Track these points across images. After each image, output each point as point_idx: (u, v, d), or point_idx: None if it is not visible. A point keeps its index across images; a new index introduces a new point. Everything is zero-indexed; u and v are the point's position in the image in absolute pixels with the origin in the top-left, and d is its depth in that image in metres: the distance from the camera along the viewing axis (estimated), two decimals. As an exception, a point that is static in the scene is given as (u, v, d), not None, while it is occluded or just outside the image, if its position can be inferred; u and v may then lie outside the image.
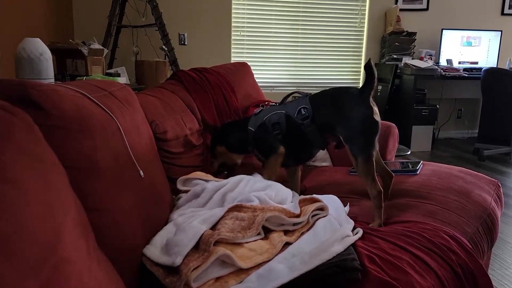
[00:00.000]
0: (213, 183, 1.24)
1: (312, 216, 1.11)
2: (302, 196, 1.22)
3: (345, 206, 1.28)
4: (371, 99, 1.28)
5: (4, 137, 0.60)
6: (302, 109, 1.35)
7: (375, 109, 1.28)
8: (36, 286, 0.49)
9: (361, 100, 1.28)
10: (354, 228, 1.13)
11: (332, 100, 1.34)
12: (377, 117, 1.28)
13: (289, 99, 1.49)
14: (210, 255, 0.89)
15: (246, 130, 1.44)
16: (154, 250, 0.96)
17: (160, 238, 1.02)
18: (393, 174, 1.41)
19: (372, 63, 1.27)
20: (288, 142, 1.38)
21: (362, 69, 4.60)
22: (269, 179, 1.35)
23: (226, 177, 1.32)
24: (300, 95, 1.42)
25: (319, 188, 1.58)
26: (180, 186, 1.31)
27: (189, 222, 1.01)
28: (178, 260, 0.89)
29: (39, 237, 0.53)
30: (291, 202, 1.24)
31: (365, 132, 1.26)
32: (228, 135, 1.49)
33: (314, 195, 1.23)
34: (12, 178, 0.55)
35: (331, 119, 1.31)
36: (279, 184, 1.29)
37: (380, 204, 1.24)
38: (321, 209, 1.14)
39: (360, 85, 4.59)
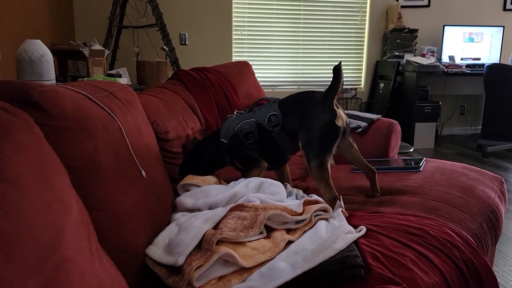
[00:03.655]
0: (205, 199, 1.19)
1: (315, 216, 1.10)
2: (307, 197, 1.21)
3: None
4: (335, 103, 1.26)
5: (5, 137, 0.60)
6: (272, 116, 1.32)
7: (340, 112, 1.26)
8: (37, 285, 0.49)
9: (323, 105, 1.26)
10: (357, 226, 1.12)
11: (297, 105, 1.32)
12: (341, 121, 1.25)
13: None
14: (212, 254, 0.89)
15: (218, 143, 1.39)
16: (156, 250, 0.96)
17: (162, 238, 1.02)
18: (375, 169, 1.40)
19: (341, 67, 1.26)
20: (263, 149, 1.36)
21: (364, 67, 4.59)
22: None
23: None
24: (269, 100, 1.39)
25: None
26: (181, 192, 1.31)
27: (191, 222, 1.01)
28: (180, 260, 0.88)
29: (40, 237, 0.53)
30: (286, 195, 1.24)
31: (322, 138, 1.25)
32: (198, 157, 1.40)
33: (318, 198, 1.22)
34: (13, 178, 0.55)
35: (295, 125, 1.30)
36: (270, 180, 1.28)
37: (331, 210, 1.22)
38: (325, 210, 1.13)
39: (362, 82, 4.58)
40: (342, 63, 1.29)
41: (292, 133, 1.31)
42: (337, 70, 1.25)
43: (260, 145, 1.35)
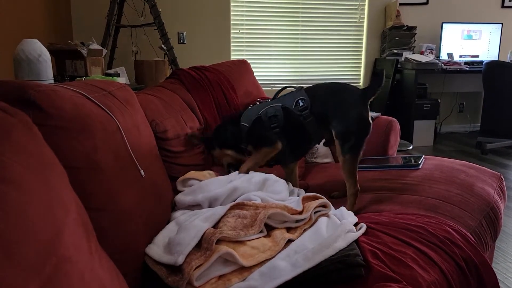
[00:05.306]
0: (204, 193, 1.19)
1: (315, 213, 1.10)
2: (306, 194, 1.21)
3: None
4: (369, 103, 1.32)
5: (3, 138, 0.60)
6: (300, 101, 1.33)
7: (370, 113, 1.32)
8: (37, 286, 0.49)
9: (362, 100, 1.30)
10: (357, 224, 1.13)
11: (331, 93, 1.34)
12: (371, 120, 1.31)
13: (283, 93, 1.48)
14: (212, 253, 0.89)
15: (238, 125, 1.39)
16: (156, 249, 0.96)
17: (162, 237, 1.02)
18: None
19: (384, 73, 1.32)
20: (286, 135, 1.35)
21: (362, 65, 4.59)
22: (247, 170, 1.31)
23: (204, 162, 1.33)
24: (294, 89, 1.40)
25: (321, 185, 1.58)
26: (180, 188, 1.31)
27: (191, 221, 1.00)
28: (180, 259, 0.88)
29: (40, 237, 0.53)
30: (288, 196, 1.24)
31: (359, 131, 1.29)
32: (219, 134, 1.44)
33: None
34: (12, 178, 0.55)
35: (328, 111, 1.31)
36: (274, 177, 1.28)
37: (354, 202, 1.29)
38: (324, 206, 1.13)
39: (361, 80, 4.58)
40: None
41: (322, 119, 1.32)
42: (380, 74, 1.31)
43: (284, 131, 1.34)
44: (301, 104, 1.32)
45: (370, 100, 1.31)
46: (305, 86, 1.43)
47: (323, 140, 1.44)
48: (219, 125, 1.50)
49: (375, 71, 1.43)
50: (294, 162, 1.47)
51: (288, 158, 1.41)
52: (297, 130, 1.34)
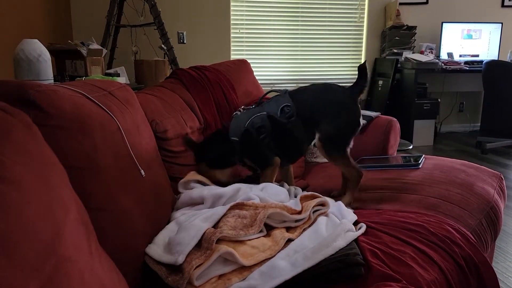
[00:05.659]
0: (211, 189, 1.19)
1: (314, 212, 1.10)
2: (304, 193, 1.21)
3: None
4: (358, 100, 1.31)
5: (3, 137, 0.60)
6: (285, 108, 1.29)
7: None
8: (37, 285, 0.49)
9: (351, 100, 1.29)
10: (357, 223, 1.13)
11: (317, 95, 1.32)
12: (362, 119, 1.31)
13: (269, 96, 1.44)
14: (212, 253, 0.89)
15: (228, 141, 1.33)
16: (156, 249, 0.96)
17: (162, 237, 1.02)
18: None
19: (366, 66, 1.30)
20: (276, 142, 1.32)
21: (362, 64, 4.59)
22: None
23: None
24: (277, 93, 1.36)
25: (321, 184, 1.58)
26: (182, 190, 1.31)
27: (191, 221, 1.01)
28: (180, 259, 0.88)
29: (40, 237, 0.53)
30: (288, 198, 1.24)
31: (347, 133, 1.29)
32: (209, 151, 1.34)
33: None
34: (12, 178, 0.55)
35: (314, 115, 1.29)
36: (274, 185, 1.29)
37: (357, 186, 1.31)
38: (322, 204, 1.13)
39: (361, 80, 4.58)
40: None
41: (309, 123, 1.30)
42: (363, 68, 1.29)
43: (274, 139, 1.31)
44: (286, 111, 1.30)
45: (358, 97, 1.30)
46: (302, 85, 1.41)
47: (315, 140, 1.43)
48: (208, 142, 1.38)
49: (359, 66, 1.36)
50: (289, 165, 1.46)
51: (282, 163, 1.39)
52: (286, 136, 1.32)
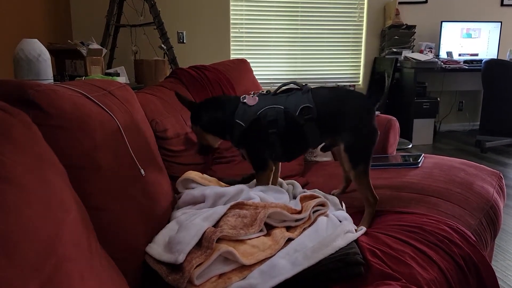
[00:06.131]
0: (213, 188, 1.19)
1: (313, 212, 1.10)
2: (304, 193, 1.21)
3: (341, 204, 1.29)
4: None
5: (3, 137, 0.60)
6: (305, 108, 1.20)
7: None
8: (37, 285, 0.49)
9: (371, 109, 1.23)
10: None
11: (339, 101, 1.24)
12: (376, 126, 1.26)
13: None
14: (212, 252, 0.89)
15: (231, 117, 1.25)
16: (156, 248, 0.96)
17: (162, 236, 1.02)
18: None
19: (386, 76, 1.25)
20: (282, 139, 1.24)
21: (362, 64, 4.59)
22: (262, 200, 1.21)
23: (204, 160, 1.24)
24: (298, 87, 1.28)
25: (321, 182, 1.58)
26: (181, 189, 1.31)
27: (192, 220, 1.01)
28: (181, 258, 0.89)
29: (40, 236, 0.53)
30: (288, 200, 1.24)
31: (369, 144, 1.22)
32: (205, 114, 1.29)
33: (314, 192, 1.23)
34: (11, 178, 0.55)
35: (335, 122, 1.22)
36: (275, 187, 1.28)
37: (374, 211, 1.23)
38: (322, 204, 1.13)
39: (360, 79, 4.58)
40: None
41: (327, 128, 1.22)
42: (381, 80, 1.24)
43: (282, 137, 1.23)
44: (306, 113, 1.20)
45: (376, 107, 1.25)
46: (323, 87, 1.33)
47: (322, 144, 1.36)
48: (209, 103, 1.32)
49: (377, 75, 1.28)
50: (285, 162, 1.38)
51: (279, 159, 1.32)
52: (296, 136, 1.24)
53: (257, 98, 1.26)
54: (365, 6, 4.49)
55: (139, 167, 1.03)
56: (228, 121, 1.26)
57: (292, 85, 1.31)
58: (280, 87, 1.31)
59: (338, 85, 4.25)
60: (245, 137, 1.25)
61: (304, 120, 1.20)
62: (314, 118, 1.20)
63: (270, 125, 1.22)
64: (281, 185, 1.38)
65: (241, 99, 1.28)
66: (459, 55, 4.52)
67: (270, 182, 1.32)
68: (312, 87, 1.29)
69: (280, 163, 1.42)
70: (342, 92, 1.27)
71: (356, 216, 1.21)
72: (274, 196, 1.21)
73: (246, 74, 2.13)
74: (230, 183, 1.34)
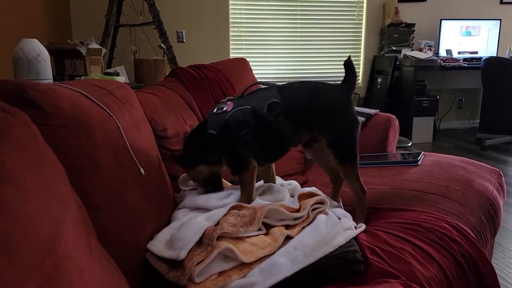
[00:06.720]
0: (217, 199, 1.17)
1: (312, 210, 1.11)
2: (302, 191, 1.22)
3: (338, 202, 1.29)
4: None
5: (3, 137, 0.60)
6: (272, 105, 1.15)
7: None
8: (37, 284, 0.49)
9: (347, 99, 1.19)
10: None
11: (309, 95, 1.19)
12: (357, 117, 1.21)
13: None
14: (213, 249, 0.90)
15: (204, 133, 1.18)
16: (158, 245, 0.97)
17: (164, 234, 1.02)
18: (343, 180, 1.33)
19: (352, 61, 1.21)
20: (258, 140, 1.18)
21: (361, 62, 4.59)
22: (249, 202, 1.16)
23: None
24: (266, 86, 1.22)
25: (320, 180, 1.58)
26: (182, 187, 1.31)
27: (193, 219, 1.01)
28: (182, 254, 0.89)
29: (39, 236, 0.54)
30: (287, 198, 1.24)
31: (353, 134, 1.18)
32: (187, 151, 1.22)
33: (313, 190, 1.23)
34: (11, 177, 0.55)
35: (309, 117, 1.17)
36: (276, 185, 1.28)
37: (365, 205, 1.21)
38: (321, 202, 1.14)
39: (360, 78, 4.58)
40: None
41: (301, 125, 1.18)
42: (350, 64, 1.20)
43: (256, 137, 1.17)
44: (274, 108, 1.15)
45: (352, 95, 1.21)
46: (292, 82, 1.31)
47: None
48: (186, 139, 1.26)
49: (345, 62, 1.21)
50: (268, 162, 1.31)
51: (262, 160, 1.25)
52: (271, 134, 1.18)
53: (232, 103, 1.20)
54: (365, 4, 4.49)
55: (139, 166, 1.03)
56: (203, 137, 1.19)
57: (259, 86, 1.26)
58: (245, 89, 1.26)
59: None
60: (221, 145, 1.18)
61: (273, 117, 1.15)
62: (281, 113, 1.15)
63: (241, 126, 1.15)
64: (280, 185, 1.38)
65: (214, 110, 1.21)
66: (459, 53, 4.52)
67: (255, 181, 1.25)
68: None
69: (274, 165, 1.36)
70: (312, 85, 1.22)
71: (351, 214, 1.21)
72: (273, 195, 1.21)
73: (245, 73, 2.13)
74: (234, 182, 1.34)
